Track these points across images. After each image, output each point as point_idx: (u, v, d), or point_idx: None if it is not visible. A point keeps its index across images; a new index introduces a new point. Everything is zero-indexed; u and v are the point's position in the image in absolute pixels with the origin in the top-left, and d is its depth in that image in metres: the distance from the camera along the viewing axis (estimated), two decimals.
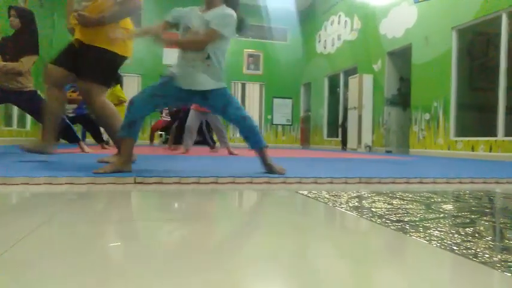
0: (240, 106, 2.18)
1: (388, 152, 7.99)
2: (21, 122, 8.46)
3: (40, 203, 1.29)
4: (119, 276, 0.59)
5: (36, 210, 1.13)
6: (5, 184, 1.63)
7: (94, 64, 2.39)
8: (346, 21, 9.90)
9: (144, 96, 2.04)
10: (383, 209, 1.24)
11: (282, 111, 12.70)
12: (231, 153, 4.88)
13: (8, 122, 7.81)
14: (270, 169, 2.18)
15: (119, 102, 5.98)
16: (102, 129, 4.93)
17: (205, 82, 2.04)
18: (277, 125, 12.68)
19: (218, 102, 2.12)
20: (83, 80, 2.40)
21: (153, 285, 0.56)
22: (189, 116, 4.84)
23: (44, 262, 0.65)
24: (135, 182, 1.81)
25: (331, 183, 2.03)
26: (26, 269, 0.61)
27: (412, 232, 0.92)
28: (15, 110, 8.14)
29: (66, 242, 0.80)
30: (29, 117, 9.04)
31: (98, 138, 5.42)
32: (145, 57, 11.13)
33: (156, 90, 2.06)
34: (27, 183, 1.66)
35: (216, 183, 1.90)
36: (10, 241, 0.76)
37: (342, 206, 1.30)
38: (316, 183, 2.01)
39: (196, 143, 5.14)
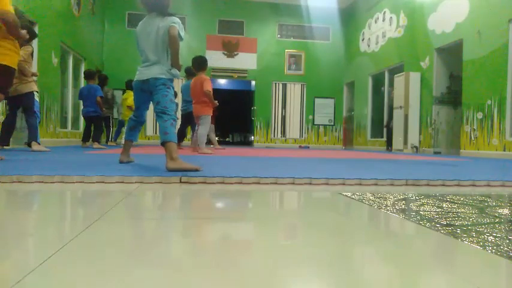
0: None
1: (437, 153, 7.62)
2: (76, 124, 9.01)
3: (95, 199, 1.37)
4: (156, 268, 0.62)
5: (91, 206, 1.21)
6: (63, 182, 1.76)
7: None
8: (391, 18, 9.58)
9: None
10: (432, 212, 1.19)
11: (324, 111, 12.51)
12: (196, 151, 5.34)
13: (64, 124, 8.35)
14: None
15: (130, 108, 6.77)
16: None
17: None
18: (318, 125, 12.52)
19: None
20: None
21: (195, 280, 0.58)
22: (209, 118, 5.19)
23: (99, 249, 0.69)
24: (181, 182, 1.87)
25: (376, 184, 1.98)
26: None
27: (464, 237, 0.88)
28: (70, 112, 8.69)
29: (116, 236, 0.84)
30: (81, 120, 9.61)
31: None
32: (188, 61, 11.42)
33: None
34: (82, 182, 1.77)
35: (259, 183, 1.91)
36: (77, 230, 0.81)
37: (388, 208, 1.26)
38: (360, 184, 1.97)
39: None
